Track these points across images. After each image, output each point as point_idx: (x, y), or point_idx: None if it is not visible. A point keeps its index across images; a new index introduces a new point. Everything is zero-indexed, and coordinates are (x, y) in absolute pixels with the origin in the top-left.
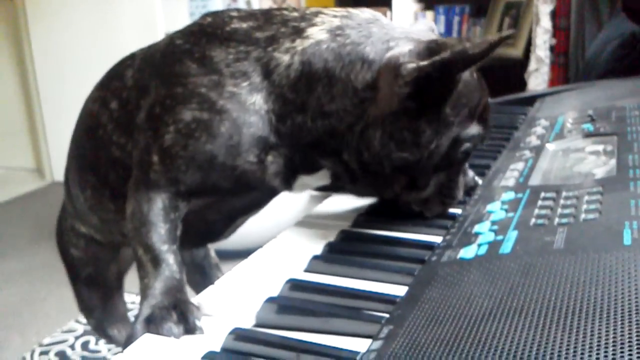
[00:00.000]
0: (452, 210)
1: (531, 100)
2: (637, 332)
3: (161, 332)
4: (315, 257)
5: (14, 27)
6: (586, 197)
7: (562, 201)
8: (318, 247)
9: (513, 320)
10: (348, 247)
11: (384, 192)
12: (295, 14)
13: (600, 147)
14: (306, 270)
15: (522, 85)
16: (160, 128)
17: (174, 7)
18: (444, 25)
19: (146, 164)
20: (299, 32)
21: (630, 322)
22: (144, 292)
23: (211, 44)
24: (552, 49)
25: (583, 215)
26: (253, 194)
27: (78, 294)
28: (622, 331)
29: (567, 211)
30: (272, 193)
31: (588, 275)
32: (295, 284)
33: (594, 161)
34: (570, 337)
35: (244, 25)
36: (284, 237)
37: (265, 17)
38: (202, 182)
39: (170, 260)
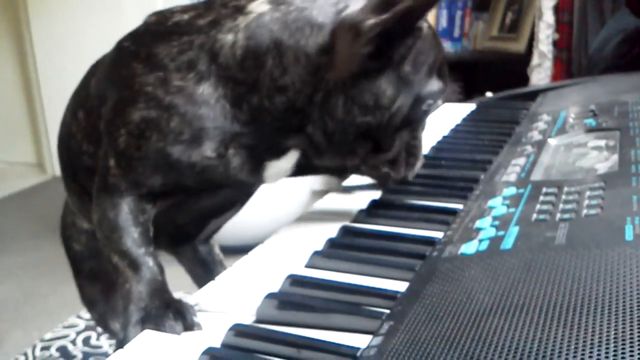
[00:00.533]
0: (453, 205)
1: (533, 95)
2: (639, 327)
3: (162, 330)
4: (316, 253)
5: (15, 22)
6: (588, 193)
7: (563, 196)
8: (319, 243)
9: (514, 316)
10: (349, 242)
11: (349, 160)
12: None
13: (602, 142)
14: (307, 266)
15: (524, 80)
16: (114, 132)
17: (176, 2)
18: (446, 19)
19: (104, 169)
20: (239, 10)
21: (632, 317)
22: (128, 297)
23: (155, 42)
24: (555, 43)
25: (585, 211)
26: (224, 192)
27: (81, 288)
28: (623, 327)
29: (568, 207)
30: (246, 189)
31: (589, 271)
32: (295, 280)
33: (596, 156)
34: (572, 333)
35: (185, 16)
36: (285, 233)
37: (206, 4)
38: (162, 182)
39: (149, 262)
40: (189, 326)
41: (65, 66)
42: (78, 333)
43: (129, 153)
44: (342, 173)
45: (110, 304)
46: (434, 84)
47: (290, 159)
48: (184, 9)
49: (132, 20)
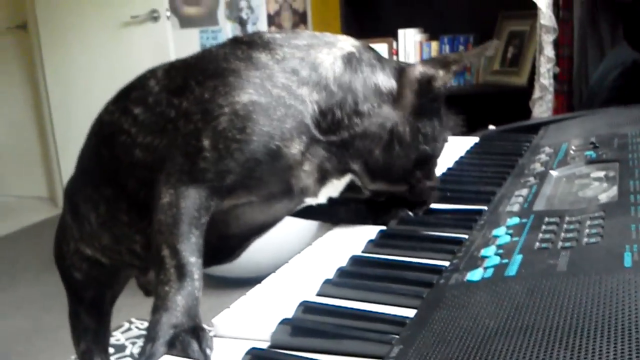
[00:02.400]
0: (458, 235)
1: (535, 127)
2: (637, 349)
3: (188, 356)
4: (327, 282)
5: (28, 56)
6: (588, 222)
7: (565, 225)
8: (329, 272)
9: (518, 339)
10: (358, 271)
11: (398, 187)
12: (318, 33)
13: (602, 174)
14: (318, 294)
15: (526, 113)
16: (213, 110)
17: (185, 38)
18: None
19: (194, 150)
20: (331, 44)
21: (630, 340)
22: (164, 301)
23: (253, 49)
24: (556, 77)
25: (585, 239)
26: (276, 206)
27: (77, 317)
28: (622, 349)
29: (570, 235)
30: (294, 205)
31: (590, 296)
32: (308, 307)
33: (597, 187)
34: (573, 355)
35: (278, 35)
36: (297, 262)
37: (294, 32)
38: (249, 173)
39: (195, 275)
40: (206, 358)
41: (77, 102)
42: None
43: (231, 134)
44: (378, 199)
45: (100, 338)
46: (448, 132)
47: (344, 182)
48: (272, 32)
49: (142, 60)
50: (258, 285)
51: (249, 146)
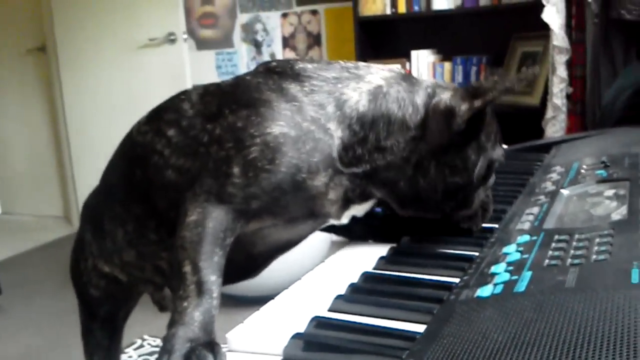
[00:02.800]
0: (469, 252)
1: (547, 147)
2: None
3: None
4: (339, 297)
5: (46, 78)
6: (597, 240)
7: (574, 243)
8: (341, 288)
9: (526, 353)
10: (370, 287)
11: (431, 214)
12: (350, 63)
13: (612, 192)
14: (330, 310)
15: (539, 132)
16: (245, 139)
17: (202, 60)
18: (462, 75)
19: (224, 175)
20: (359, 77)
21: (636, 355)
22: (181, 316)
23: (283, 79)
24: (569, 97)
25: (594, 256)
26: (301, 226)
27: (90, 333)
28: None
29: (579, 252)
30: (317, 225)
31: (597, 312)
32: (320, 322)
33: (607, 205)
34: None
35: (309, 65)
36: (309, 279)
37: (325, 62)
38: (274, 200)
39: (214, 293)
40: None
41: (93, 123)
42: None
43: (261, 164)
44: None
45: (114, 353)
46: (499, 150)
47: (369, 204)
48: (304, 61)
49: (159, 82)
50: (271, 301)
51: (277, 177)
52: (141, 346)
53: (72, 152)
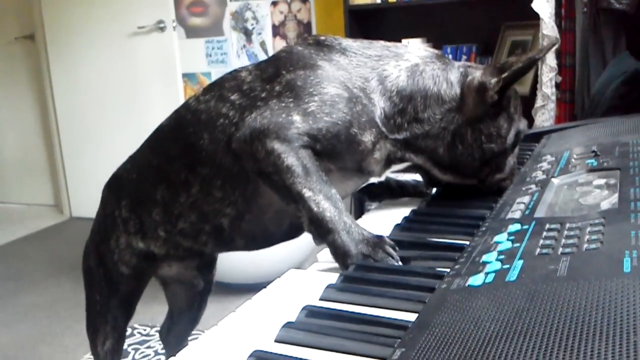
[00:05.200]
0: (460, 241)
1: (537, 136)
2: (635, 352)
3: (376, 260)
4: (330, 286)
5: (35, 66)
6: (589, 228)
7: (565, 232)
8: (333, 278)
9: (518, 342)
10: (361, 276)
11: (469, 180)
12: (389, 43)
13: (603, 181)
14: (321, 299)
15: (529, 121)
16: (303, 96)
17: (191, 48)
18: None
19: (286, 122)
20: (399, 55)
21: (628, 343)
22: (334, 224)
23: (332, 53)
24: (558, 86)
25: (585, 245)
26: (348, 182)
27: (106, 314)
28: (620, 351)
29: (570, 241)
30: (360, 183)
31: (589, 301)
32: (311, 311)
33: (597, 194)
34: (572, 358)
35: (354, 43)
36: (301, 268)
37: (368, 42)
38: (332, 147)
39: (340, 202)
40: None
41: (83, 111)
42: None
43: (319, 115)
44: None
45: (124, 337)
46: (524, 122)
47: (404, 166)
48: (347, 39)
49: (148, 69)
50: (262, 290)
51: (334, 127)
52: (132, 335)
53: (62, 141)
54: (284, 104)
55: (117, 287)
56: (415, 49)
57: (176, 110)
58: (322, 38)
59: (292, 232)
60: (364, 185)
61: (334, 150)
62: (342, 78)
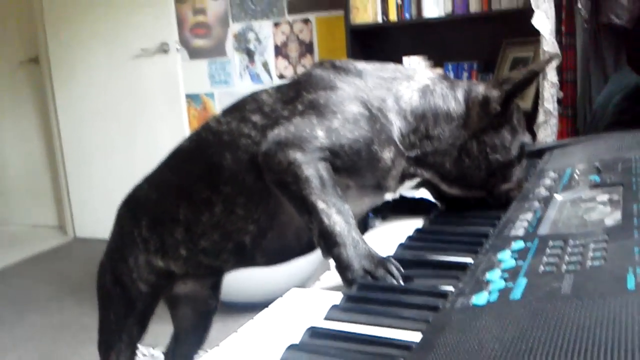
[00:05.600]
0: (464, 259)
1: (540, 152)
2: None
3: (376, 277)
4: (334, 307)
5: (39, 89)
6: (592, 245)
7: (569, 249)
8: (335, 297)
9: None
10: (365, 296)
11: (475, 193)
12: (401, 66)
13: (606, 197)
14: (326, 319)
15: (531, 137)
16: (326, 113)
17: (194, 69)
18: None
19: (309, 137)
20: (409, 77)
21: None
22: (342, 238)
23: (349, 76)
24: (560, 101)
25: (589, 262)
26: (365, 199)
27: (121, 332)
28: None
29: (573, 258)
30: (376, 201)
31: (593, 319)
32: (315, 332)
33: (601, 211)
34: None
35: (368, 66)
36: (304, 287)
37: (381, 64)
38: (352, 164)
39: (352, 218)
40: (396, 280)
41: (87, 133)
42: None
43: (342, 132)
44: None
45: (136, 351)
46: (527, 136)
47: (415, 181)
48: (361, 62)
49: (152, 90)
50: (265, 310)
51: (356, 143)
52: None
53: (66, 162)
54: (307, 120)
55: (135, 305)
56: (422, 71)
57: (196, 131)
58: (338, 62)
59: (310, 248)
60: (379, 202)
61: (354, 167)
62: (362, 98)
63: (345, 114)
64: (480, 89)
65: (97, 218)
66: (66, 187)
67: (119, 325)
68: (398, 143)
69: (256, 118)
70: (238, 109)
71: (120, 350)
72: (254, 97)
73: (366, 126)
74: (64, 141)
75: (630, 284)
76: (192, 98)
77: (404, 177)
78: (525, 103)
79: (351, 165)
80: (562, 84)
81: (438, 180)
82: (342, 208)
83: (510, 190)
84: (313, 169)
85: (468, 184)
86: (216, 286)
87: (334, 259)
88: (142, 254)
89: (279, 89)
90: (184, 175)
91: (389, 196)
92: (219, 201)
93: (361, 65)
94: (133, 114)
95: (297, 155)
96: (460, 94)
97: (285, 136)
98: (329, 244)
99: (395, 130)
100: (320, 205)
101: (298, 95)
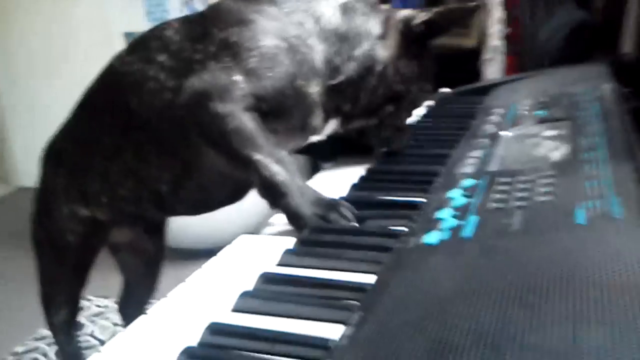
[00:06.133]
0: (414, 198)
1: (486, 89)
2: (588, 305)
3: (330, 221)
4: (287, 251)
5: None
6: (541, 181)
7: (518, 185)
8: (287, 242)
9: (477, 300)
10: (317, 239)
11: (371, 120)
12: None
13: (553, 132)
14: (279, 264)
15: (477, 74)
16: (241, 53)
17: (129, 6)
18: None
19: (228, 83)
20: None
21: (587, 296)
22: (287, 188)
23: (262, 4)
24: (506, 37)
25: (538, 198)
26: (292, 143)
27: (58, 284)
28: (579, 306)
29: (523, 194)
30: (303, 141)
31: (543, 254)
32: (268, 278)
33: (548, 146)
34: (531, 314)
35: None
36: (255, 235)
37: None
38: (280, 104)
39: (290, 163)
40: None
41: (24, 76)
42: (49, 345)
43: (261, 72)
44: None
45: (78, 307)
46: (428, 86)
47: (335, 123)
48: None
49: (85, 27)
50: (214, 257)
51: (279, 82)
52: (88, 307)
53: (6, 109)
54: (223, 64)
55: (66, 256)
56: None
57: (100, 72)
58: None
59: (236, 195)
60: (303, 145)
61: (280, 108)
62: (277, 28)
63: (261, 49)
64: (403, 12)
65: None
66: (6, 133)
67: (55, 278)
68: (324, 70)
69: (162, 58)
70: (142, 47)
71: (60, 303)
72: (158, 34)
73: (286, 60)
74: (2, 88)
75: (580, 218)
76: (130, 37)
77: (328, 115)
78: (471, 40)
79: (277, 106)
80: (510, 20)
81: (346, 112)
82: (279, 156)
83: (399, 128)
84: (239, 120)
85: (367, 111)
86: (156, 233)
87: (282, 210)
88: (65, 204)
89: (183, 23)
90: (93, 122)
91: (314, 138)
92: (129, 148)
93: None
94: (67, 54)
95: (219, 108)
96: (379, 14)
97: (203, 87)
98: (274, 195)
99: (317, 56)
100: (256, 156)
101: (207, 33)
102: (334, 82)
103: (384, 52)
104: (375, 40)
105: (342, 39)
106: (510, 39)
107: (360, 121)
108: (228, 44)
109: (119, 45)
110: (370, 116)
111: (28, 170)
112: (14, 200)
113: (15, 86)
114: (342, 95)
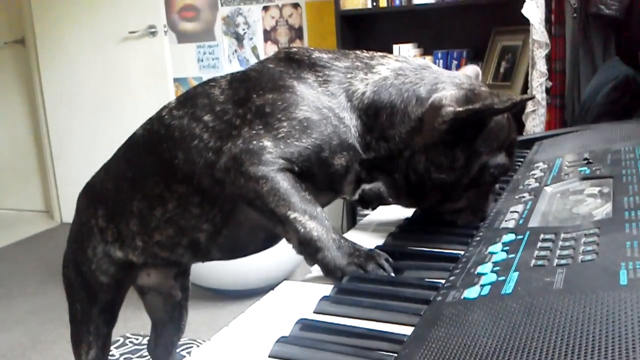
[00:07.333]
0: (453, 251)
1: (529, 143)
2: None
3: (367, 271)
4: (325, 298)
5: (25, 72)
6: (584, 239)
7: (560, 242)
8: (326, 289)
9: (516, 358)
10: (355, 288)
11: (422, 204)
12: (366, 53)
13: (596, 190)
14: (316, 312)
15: (519, 127)
16: (272, 123)
17: (183, 53)
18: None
19: (258, 149)
20: (369, 68)
21: (627, 357)
22: (322, 242)
23: (302, 69)
24: (548, 91)
25: (581, 257)
26: (320, 199)
27: (88, 322)
28: None
29: (565, 252)
30: (332, 199)
31: (586, 314)
32: (305, 324)
33: (591, 203)
34: None
35: (324, 55)
36: (293, 278)
37: (341, 53)
38: (306, 169)
39: (326, 220)
40: (386, 270)
41: (74, 116)
42: None
43: (290, 141)
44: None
45: (109, 345)
46: (500, 158)
47: (375, 185)
48: (321, 50)
49: (139, 74)
50: (256, 303)
51: (305, 151)
52: (123, 344)
53: (53, 146)
54: (254, 132)
55: (97, 296)
56: (390, 60)
57: (149, 120)
58: (293, 51)
59: (268, 243)
60: (334, 200)
61: (309, 172)
62: (311, 98)
63: (292, 122)
64: (446, 93)
65: None
66: (53, 171)
67: (85, 317)
68: (356, 144)
69: (207, 118)
70: (190, 103)
71: (89, 341)
72: (206, 91)
73: (314, 133)
74: (51, 125)
75: (623, 279)
76: (180, 82)
77: (359, 182)
78: (514, 92)
79: (306, 170)
80: (551, 73)
81: (387, 187)
82: (314, 212)
83: (458, 211)
84: (273, 181)
85: (413, 199)
86: (182, 276)
87: (319, 264)
88: (100, 244)
89: (230, 84)
90: (137, 168)
91: (347, 197)
92: (172, 199)
93: (317, 54)
94: (120, 97)
95: (251, 170)
96: (424, 92)
97: (238, 152)
98: (311, 251)
99: (351, 131)
100: (291, 215)
101: (248, 98)
102: (367, 156)
103: (418, 137)
104: (413, 121)
105: (373, 118)
106: (553, 93)
107: (407, 203)
108: (262, 113)
109: (170, 89)
110: (420, 201)
111: (72, 207)
112: (57, 235)
113: (64, 125)
114: (377, 170)
